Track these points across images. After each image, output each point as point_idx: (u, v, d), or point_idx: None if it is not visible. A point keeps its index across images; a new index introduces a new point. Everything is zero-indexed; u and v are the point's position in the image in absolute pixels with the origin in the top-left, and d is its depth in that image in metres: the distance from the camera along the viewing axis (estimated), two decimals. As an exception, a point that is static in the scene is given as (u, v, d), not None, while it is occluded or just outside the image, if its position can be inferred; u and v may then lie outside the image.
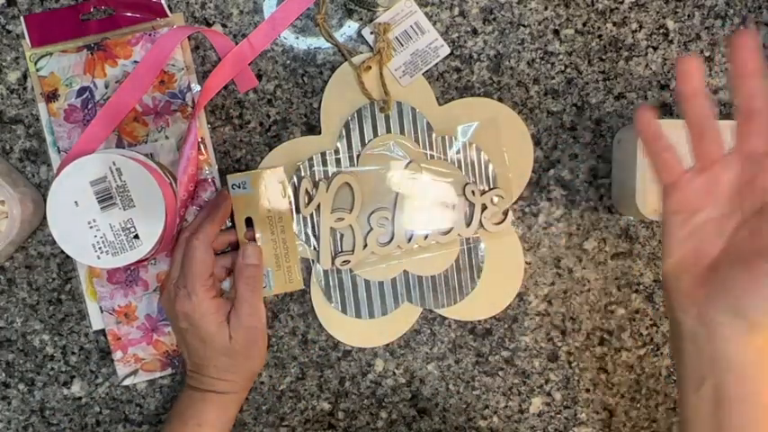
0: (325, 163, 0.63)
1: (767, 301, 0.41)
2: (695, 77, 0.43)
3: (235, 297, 0.59)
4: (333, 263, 0.63)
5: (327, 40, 0.63)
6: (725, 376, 0.44)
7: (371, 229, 0.64)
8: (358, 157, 0.64)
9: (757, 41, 0.41)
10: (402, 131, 0.64)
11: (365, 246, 0.63)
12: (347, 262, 0.63)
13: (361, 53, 0.64)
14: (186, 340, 0.59)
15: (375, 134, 0.64)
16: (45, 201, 0.57)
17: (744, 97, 0.42)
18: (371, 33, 0.63)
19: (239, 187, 0.61)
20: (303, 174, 0.63)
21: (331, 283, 0.64)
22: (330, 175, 0.63)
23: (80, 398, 0.65)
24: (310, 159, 0.63)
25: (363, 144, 0.64)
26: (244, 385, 0.62)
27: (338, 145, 0.63)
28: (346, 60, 0.63)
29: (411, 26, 0.63)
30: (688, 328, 0.45)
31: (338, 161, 0.64)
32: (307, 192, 0.62)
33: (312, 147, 0.64)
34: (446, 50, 0.64)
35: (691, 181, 0.45)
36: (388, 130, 0.64)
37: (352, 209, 0.63)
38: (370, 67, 0.63)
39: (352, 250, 0.63)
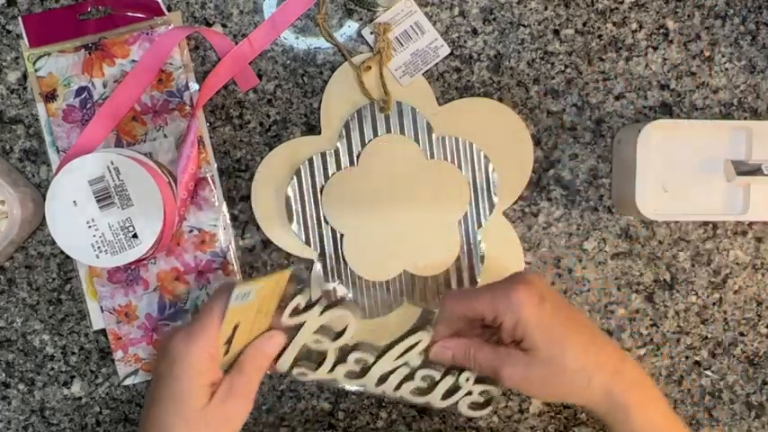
0: (325, 164, 0.63)
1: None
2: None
3: (234, 373, 0.53)
4: (290, 370, 0.57)
5: (327, 40, 0.63)
6: None
7: (345, 362, 0.58)
8: (358, 156, 0.63)
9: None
10: (402, 131, 0.64)
11: (330, 370, 0.58)
12: (304, 374, 0.58)
13: (361, 53, 0.64)
14: (154, 393, 0.52)
15: (375, 134, 0.64)
16: (45, 200, 0.57)
17: None
18: (371, 33, 0.63)
19: (242, 298, 0.51)
20: (303, 175, 0.63)
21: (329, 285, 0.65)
22: (326, 186, 0.63)
23: (80, 398, 0.65)
24: (310, 160, 0.63)
25: (363, 144, 0.64)
26: None
27: (338, 145, 0.63)
28: (346, 60, 0.63)
29: (411, 26, 0.63)
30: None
31: (338, 162, 0.63)
32: (296, 308, 0.56)
33: (312, 147, 0.64)
34: (446, 50, 0.64)
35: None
36: (388, 130, 0.64)
37: (336, 338, 0.57)
38: (370, 67, 0.63)
39: (316, 367, 0.58)
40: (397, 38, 0.63)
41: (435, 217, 0.64)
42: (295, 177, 0.63)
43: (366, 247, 0.64)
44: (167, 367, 0.51)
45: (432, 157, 0.64)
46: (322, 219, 0.64)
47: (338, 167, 0.64)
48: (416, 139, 0.64)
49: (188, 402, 0.51)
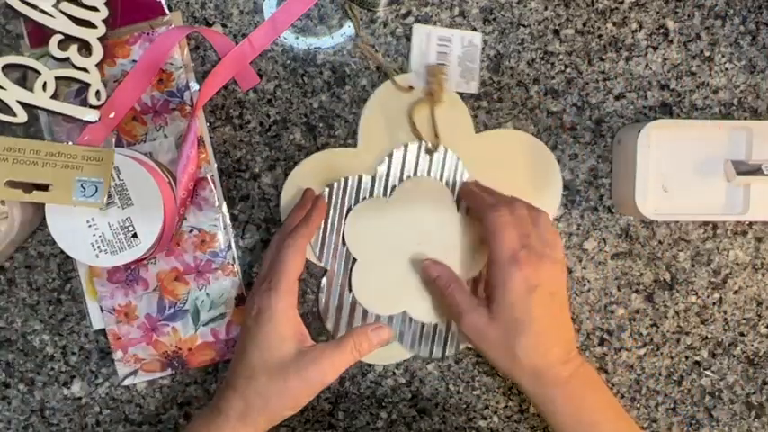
0: (359, 186, 0.64)
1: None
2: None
3: (332, 344, 0.55)
4: None
5: (370, 60, 0.63)
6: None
7: None
8: (393, 189, 0.64)
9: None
10: (441, 177, 0.64)
11: None
12: None
13: (401, 70, 0.64)
14: (242, 343, 0.55)
15: (415, 172, 0.64)
16: (45, 200, 0.57)
17: None
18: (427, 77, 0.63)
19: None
20: (335, 191, 0.63)
21: (331, 305, 0.65)
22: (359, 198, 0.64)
23: (80, 398, 0.65)
24: (346, 179, 0.64)
25: (401, 178, 0.64)
26: (262, 427, 0.55)
27: (377, 169, 0.64)
28: (391, 80, 0.63)
29: (438, 43, 0.63)
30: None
31: (372, 189, 0.64)
32: None
33: (348, 160, 0.64)
34: (478, 36, 0.64)
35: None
36: (429, 172, 0.64)
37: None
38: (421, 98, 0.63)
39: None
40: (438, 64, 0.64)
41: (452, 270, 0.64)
42: (327, 189, 0.63)
43: (374, 279, 0.64)
44: (253, 319, 0.55)
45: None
46: (341, 238, 0.64)
47: (371, 194, 0.64)
48: (453, 186, 0.64)
49: (272, 349, 0.53)
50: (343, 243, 0.64)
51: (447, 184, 0.64)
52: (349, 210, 0.64)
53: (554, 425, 0.57)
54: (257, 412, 0.53)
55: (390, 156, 0.64)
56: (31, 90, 0.57)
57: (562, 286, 0.58)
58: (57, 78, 0.58)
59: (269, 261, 0.58)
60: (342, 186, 0.63)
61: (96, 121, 0.59)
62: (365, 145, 0.64)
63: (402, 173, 0.64)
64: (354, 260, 0.64)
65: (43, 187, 0.54)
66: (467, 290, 0.60)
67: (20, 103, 0.57)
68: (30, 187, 0.54)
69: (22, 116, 0.57)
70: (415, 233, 0.64)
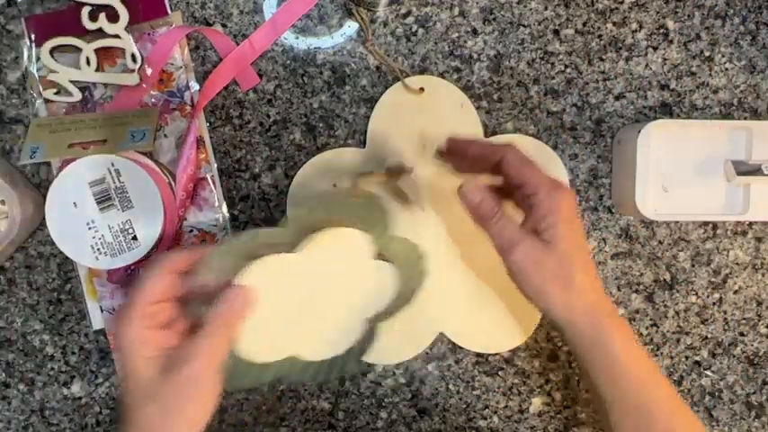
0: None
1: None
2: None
3: (192, 336, 0.48)
4: None
5: (380, 63, 0.63)
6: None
7: None
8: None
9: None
10: None
11: None
12: None
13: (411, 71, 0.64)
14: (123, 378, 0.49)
15: None
16: (45, 201, 0.57)
17: None
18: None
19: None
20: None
21: None
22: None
23: (80, 398, 0.65)
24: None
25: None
26: None
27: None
28: (400, 81, 0.64)
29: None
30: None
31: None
32: None
33: (355, 162, 0.64)
34: None
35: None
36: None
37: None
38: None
39: None
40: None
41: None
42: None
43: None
44: (115, 351, 0.50)
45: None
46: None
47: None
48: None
49: (134, 377, 0.47)
50: None
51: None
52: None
53: (607, 360, 0.53)
54: None
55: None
56: (78, 68, 0.60)
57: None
58: (95, 50, 0.60)
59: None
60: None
61: (137, 84, 0.61)
62: (372, 146, 0.64)
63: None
64: None
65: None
66: (513, 219, 0.54)
67: (71, 82, 0.61)
68: (88, 145, 0.56)
69: (77, 94, 0.61)
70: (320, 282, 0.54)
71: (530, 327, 0.66)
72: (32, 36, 0.60)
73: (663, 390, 0.54)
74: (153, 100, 0.62)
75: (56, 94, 0.61)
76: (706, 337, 0.67)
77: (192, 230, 0.63)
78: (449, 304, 0.65)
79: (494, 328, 0.66)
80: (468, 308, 0.65)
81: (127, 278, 0.55)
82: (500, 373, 0.67)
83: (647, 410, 0.52)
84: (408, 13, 0.64)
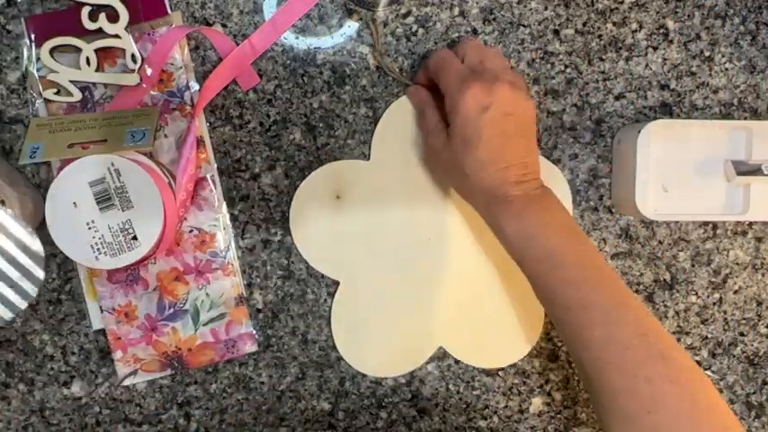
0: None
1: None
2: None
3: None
4: None
5: (388, 73, 0.63)
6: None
7: None
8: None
9: None
10: None
11: None
12: None
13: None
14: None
15: None
16: (45, 201, 0.57)
17: None
18: None
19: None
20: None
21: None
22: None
23: (80, 398, 0.65)
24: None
25: None
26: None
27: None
28: (405, 93, 0.64)
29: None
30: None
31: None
32: None
33: (359, 173, 0.64)
34: None
35: None
36: None
37: None
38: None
39: None
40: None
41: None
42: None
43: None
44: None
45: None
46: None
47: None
48: None
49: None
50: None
51: None
52: None
53: (502, 243, 0.58)
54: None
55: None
56: (78, 68, 0.61)
57: (521, 108, 0.56)
58: (95, 50, 0.61)
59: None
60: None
61: (138, 84, 0.61)
62: (378, 158, 0.64)
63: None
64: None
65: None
66: (438, 114, 0.60)
67: (71, 82, 0.61)
68: (87, 145, 0.57)
69: (77, 94, 0.61)
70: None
71: (532, 338, 0.66)
72: (32, 36, 0.61)
73: (569, 257, 0.55)
74: (153, 100, 0.62)
75: (56, 94, 0.61)
76: (706, 337, 0.67)
77: (191, 230, 0.63)
78: (450, 320, 0.65)
79: (495, 345, 0.66)
80: (469, 324, 0.65)
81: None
82: (500, 373, 0.67)
83: (553, 286, 0.56)
84: (408, 13, 0.64)
